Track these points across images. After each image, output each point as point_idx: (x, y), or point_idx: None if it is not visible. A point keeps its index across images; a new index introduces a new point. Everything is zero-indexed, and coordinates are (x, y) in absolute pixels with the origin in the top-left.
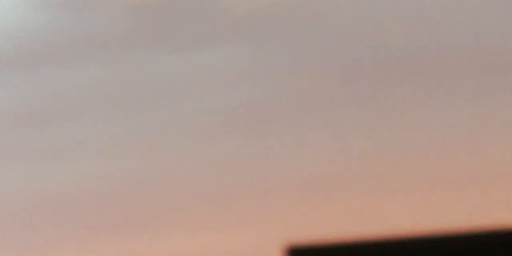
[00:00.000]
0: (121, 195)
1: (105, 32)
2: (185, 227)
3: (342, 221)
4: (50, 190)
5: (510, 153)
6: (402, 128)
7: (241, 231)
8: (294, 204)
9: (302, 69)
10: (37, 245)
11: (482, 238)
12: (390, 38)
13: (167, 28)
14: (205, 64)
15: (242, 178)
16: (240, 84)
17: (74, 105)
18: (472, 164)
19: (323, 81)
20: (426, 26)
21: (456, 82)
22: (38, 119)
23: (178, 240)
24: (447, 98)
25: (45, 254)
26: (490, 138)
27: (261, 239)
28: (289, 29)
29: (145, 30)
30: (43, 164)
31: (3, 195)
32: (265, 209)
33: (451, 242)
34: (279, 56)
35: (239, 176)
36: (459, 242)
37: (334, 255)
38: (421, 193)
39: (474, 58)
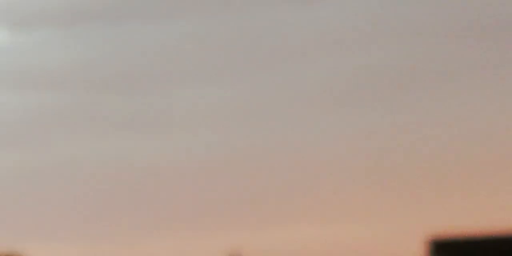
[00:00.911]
0: (227, 172)
1: None
2: (319, 217)
3: (482, 215)
4: (145, 163)
5: None
6: None
7: (383, 222)
8: (437, 195)
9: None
10: (128, 217)
11: None
12: None
13: None
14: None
15: (379, 165)
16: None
17: (166, 68)
18: None
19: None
20: None
21: None
22: (127, 85)
23: (308, 229)
24: None
25: (138, 232)
26: None
27: (403, 232)
28: None
29: None
30: (135, 135)
31: (94, 166)
32: (408, 200)
33: None
34: (424, 13)
35: (375, 161)
36: None
37: (476, 248)
38: None
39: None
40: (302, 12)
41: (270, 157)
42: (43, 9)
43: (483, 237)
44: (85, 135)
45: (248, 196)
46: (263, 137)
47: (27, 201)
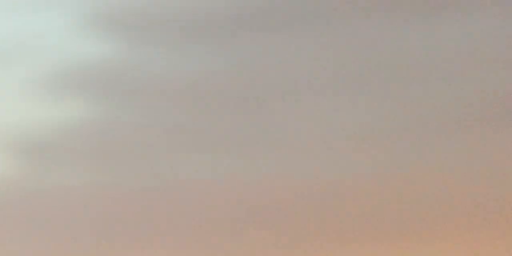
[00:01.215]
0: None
1: None
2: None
3: None
4: (257, 189)
5: None
6: None
7: None
8: None
9: None
10: (237, 246)
11: None
12: None
13: None
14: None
15: None
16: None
17: (289, 81)
18: None
19: None
20: None
21: None
22: (245, 100)
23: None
24: None
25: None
26: None
27: None
28: None
29: None
30: (251, 156)
31: (197, 192)
32: None
33: None
34: None
35: None
36: None
37: None
38: None
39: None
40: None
41: (400, 179)
42: (166, 16)
43: None
44: (203, 155)
45: (377, 221)
46: (395, 159)
47: (142, 220)
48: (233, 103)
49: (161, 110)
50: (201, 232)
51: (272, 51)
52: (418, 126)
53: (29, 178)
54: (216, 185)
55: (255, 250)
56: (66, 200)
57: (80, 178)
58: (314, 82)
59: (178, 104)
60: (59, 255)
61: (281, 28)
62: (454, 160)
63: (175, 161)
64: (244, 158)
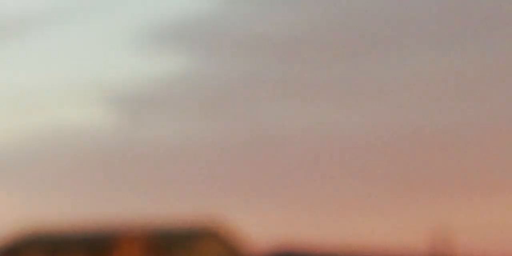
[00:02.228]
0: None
1: None
2: None
3: None
4: (347, 135)
5: None
6: None
7: None
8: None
9: None
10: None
11: None
12: None
13: None
14: None
15: None
16: None
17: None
18: None
19: None
20: None
21: None
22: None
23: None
24: None
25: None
26: None
27: None
28: None
29: None
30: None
31: (295, 135)
32: None
33: None
34: None
35: None
36: None
37: None
38: None
39: None
40: None
41: (477, 130)
42: None
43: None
44: (294, 104)
45: (458, 167)
46: (476, 111)
47: (231, 171)
48: (337, 54)
49: (264, 62)
50: (306, 182)
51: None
52: None
53: (126, 130)
54: (320, 134)
55: (362, 200)
56: (161, 151)
57: (176, 131)
58: (416, 37)
59: (281, 56)
60: (155, 203)
61: None
62: None
63: (277, 112)
64: (348, 107)
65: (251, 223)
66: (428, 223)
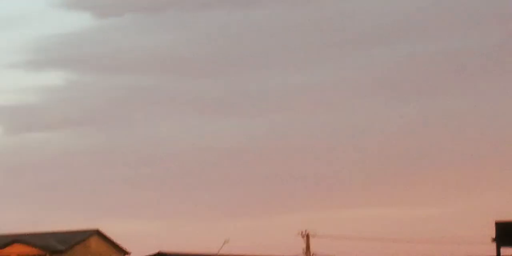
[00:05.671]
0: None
1: None
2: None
3: None
4: (223, 144)
5: None
6: None
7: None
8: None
9: None
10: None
11: None
12: None
13: None
14: None
15: None
16: None
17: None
18: None
19: None
20: None
21: None
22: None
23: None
24: None
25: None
26: None
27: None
28: None
29: None
30: (219, 117)
31: (175, 145)
32: None
33: None
34: None
35: None
36: None
37: None
38: None
39: None
40: None
41: (359, 138)
42: None
43: None
44: (169, 117)
45: (334, 176)
46: (348, 121)
47: (107, 179)
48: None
49: (143, 76)
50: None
51: None
52: None
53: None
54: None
55: (233, 206)
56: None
57: (54, 141)
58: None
59: (163, 71)
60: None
61: None
62: None
63: (144, 122)
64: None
65: (129, 231)
66: (294, 229)
